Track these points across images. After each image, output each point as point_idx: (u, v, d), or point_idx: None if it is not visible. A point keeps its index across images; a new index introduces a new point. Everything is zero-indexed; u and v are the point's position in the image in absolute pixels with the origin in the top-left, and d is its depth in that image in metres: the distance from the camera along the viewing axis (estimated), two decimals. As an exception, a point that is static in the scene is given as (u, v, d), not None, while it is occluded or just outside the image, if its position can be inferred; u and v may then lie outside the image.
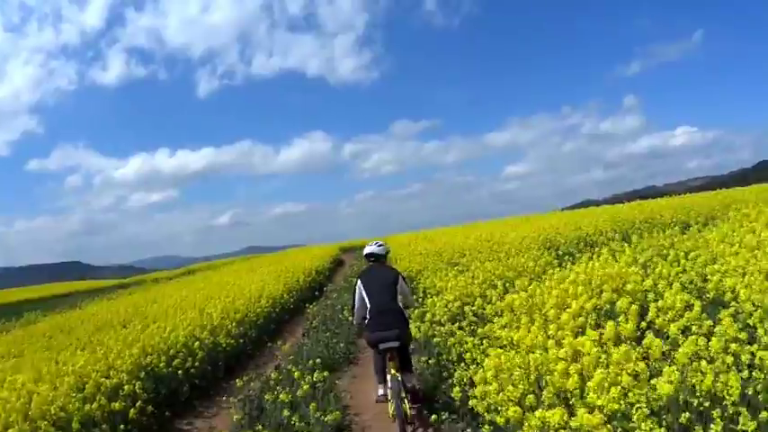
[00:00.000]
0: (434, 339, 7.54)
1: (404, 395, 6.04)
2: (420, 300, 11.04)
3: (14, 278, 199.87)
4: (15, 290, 76.01)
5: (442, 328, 7.74)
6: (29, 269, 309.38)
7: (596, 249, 11.05)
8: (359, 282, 6.76)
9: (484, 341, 6.43)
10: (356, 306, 6.77)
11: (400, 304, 6.59)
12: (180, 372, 8.87)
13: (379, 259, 7.07)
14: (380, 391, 6.53)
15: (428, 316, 8.21)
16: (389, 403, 6.21)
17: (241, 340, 11.61)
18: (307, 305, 15.15)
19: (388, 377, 6.19)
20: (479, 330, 6.66)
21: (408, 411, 6.06)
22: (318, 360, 8.78)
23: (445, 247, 19.15)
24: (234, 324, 11.67)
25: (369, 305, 6.43)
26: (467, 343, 6.58)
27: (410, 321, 7.27)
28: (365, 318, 6.57)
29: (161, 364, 8.62)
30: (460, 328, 7.48)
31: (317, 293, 18.89)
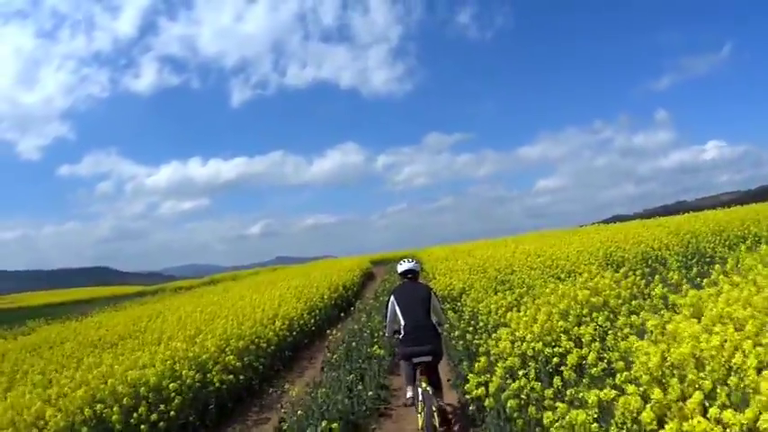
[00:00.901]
0: (508, 404, 5.06)
1: (434, 409, 5.89)
2: (471, 331, 8.66)
3: (44, 281, 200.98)
4: (39, 293, 75.79)
5: (516, 385, 5.28)
6: (59, 273, 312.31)
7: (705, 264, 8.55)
8: (392, 297, 6.74)
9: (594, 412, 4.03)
10: (389, 320, 6.79)
11: (433, 320, 6.54)
12: (143, 426, 6.49)
13: (414, 276, 7.10)
14: (409, 393, 6.45)
15: (498, 369, 5.69)
16: (419, 416, 6.15)
17: (242, 376, 9.22)
18: (328, 331, 12.45)
19: (419, 390, 6.12)
20: (590, 397, 4.22)
21: (437, 426, 5.91)
22: (336, 424, 6.26)
23: (489, 262, 16.70)
24: (233, 356, 9.30)
25: (403, 321, 6.42)
26: (566, 413, 4.21)
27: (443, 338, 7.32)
28: (397, 332, 6.59)
29: (114, 416, 6.26)
30: (541, 379, 5.09)
31: (342, 314, 16.22)
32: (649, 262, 13.22)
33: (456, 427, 6.73)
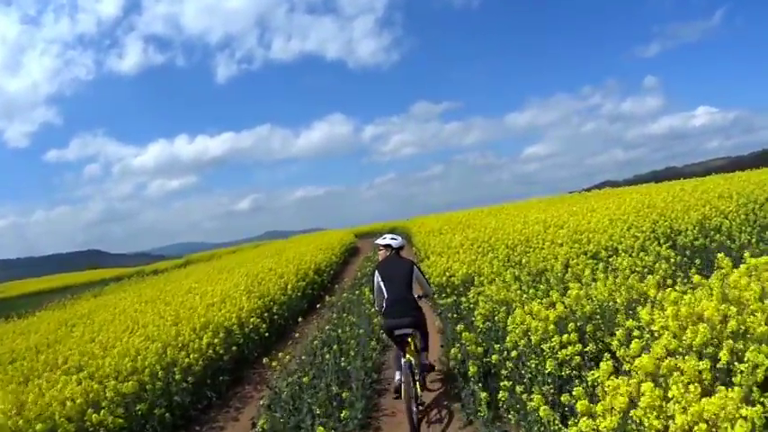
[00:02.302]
0: None
1: (416, 378, 6.10)
2: (494, 364, 5.11)
3: (34, 268, 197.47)
4: (28, 281, 72.48)
5: None
6: (48, 259, 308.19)
7: None
8: (376, 273, 6.66)
9: None
10: (375, 294, 6.76)
11: (415, 294, 6.55)
12: None
13: (395, 250, 6.95)
14: (397, 377, 6.55)
15: None
16: (402, 386, 6.02)
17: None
18: (266, 359, 8.10)
19: (402, 361, 6.11)
20: None
21: (419, 392, 6.17)
22: None
23: (496, 236, 12.99)
24: (109, 407, 5.81)
25: (386, 294, 6.42)
26: None
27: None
28: (383, 306, 6.52)
29: None
30: None
31: (299, 319, 11.83)
32: (712, 234, 9.78)
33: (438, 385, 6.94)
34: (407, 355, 6.07)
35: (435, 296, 9.67)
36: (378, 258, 7.50)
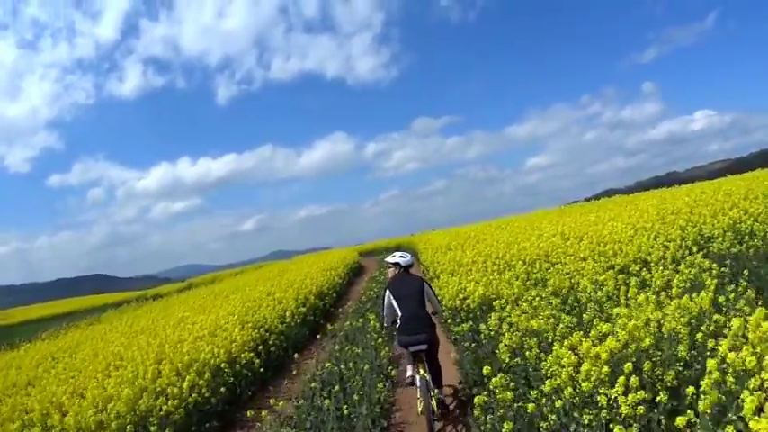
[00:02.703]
0: None
1: (432, 393, 6.07)
2: None
3: (38, 293, 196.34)
4: (31, 307, 71.32)
5: None
6: (54, 284, 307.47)
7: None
8: (388, 291, 6.71)
9: None
10: (386, 313, 6.76)
11: (428, 310, 6.58)
12: None
13: (404, 268, 6.95)
14: (409, 372, 6.57)
15: None
16: (418, 401, 6.16)
17: None
18: (258, 411, 6.76)
19: (417, 377, 6.19)
20: None
21: (436, 408, 6.09)
22: None
23: (511, 251, 11.93)
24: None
25: (400, 312, 6.50)
26: None
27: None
28: (395, 322, 6.62)
29: None
30: None
31: (292, 356, 10.15)
32: (747, 240, 8.78)
33: (453, 410, 6.75)
34: (422, 372, 6.17)
35: (450, 321, 9.07)
36: (387, 276, 7.65)
